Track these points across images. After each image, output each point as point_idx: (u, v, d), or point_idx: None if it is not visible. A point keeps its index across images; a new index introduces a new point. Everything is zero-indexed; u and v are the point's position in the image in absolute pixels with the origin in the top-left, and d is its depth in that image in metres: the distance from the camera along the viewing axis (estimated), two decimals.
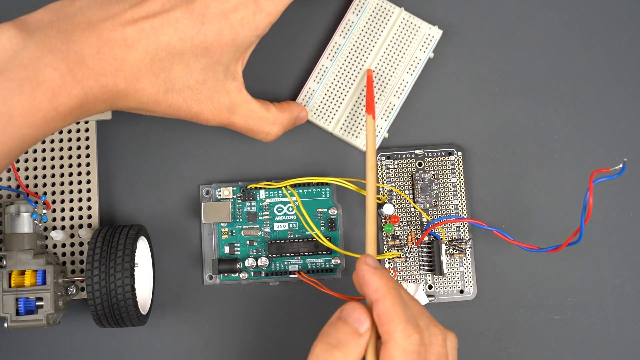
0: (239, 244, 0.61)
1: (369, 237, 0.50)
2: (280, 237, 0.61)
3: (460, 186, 0.62)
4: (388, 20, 0.63)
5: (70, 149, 0.61)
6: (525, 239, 0.59)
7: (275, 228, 0.61)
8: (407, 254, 0.61)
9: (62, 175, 0.60)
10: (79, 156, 0.61)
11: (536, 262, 0.61)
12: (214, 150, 0.62)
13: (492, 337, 0.61)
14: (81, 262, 0.60)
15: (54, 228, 0.60)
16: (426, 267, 0.60)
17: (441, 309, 0.61)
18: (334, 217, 0.61)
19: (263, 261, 0.60)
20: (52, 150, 0.61)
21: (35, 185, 0.60)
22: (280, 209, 0.61)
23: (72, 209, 0.60)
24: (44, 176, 0.61)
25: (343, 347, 0.44)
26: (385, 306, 0.44)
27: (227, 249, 0.61)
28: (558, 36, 0.64)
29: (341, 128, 0.62)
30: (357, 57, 0.62)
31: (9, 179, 0.60)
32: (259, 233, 0.61)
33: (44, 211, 0.60)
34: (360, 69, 0.62)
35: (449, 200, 0.62)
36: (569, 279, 0.61)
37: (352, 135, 0.61)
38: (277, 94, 0.63)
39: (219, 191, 0.61)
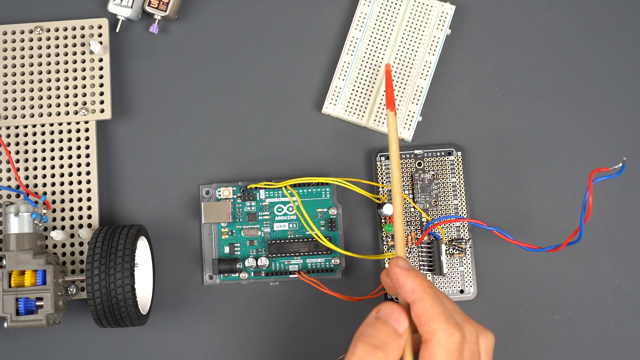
0: (239, 244, 0.61)
1: (397, 239, 0.50)
2: (280, 237, 0.61)
3: (459, 186, 0.62)
4: (400, 5, 0.63)
5: (70, 149, 0.61)
6: (525, 239, 0.59)
7: (275, 228, 0.61)
8: (407, 254, 0.61)
9: (62, 175, 0.60)
10: (79, 156, 0.61)
11: (536, 262, 0.61)
12: (214, 150, 0.62)
13: None
14: (81, 262, 0.60)
15: (54, 228, 0.60)
16: (426, 267, 0.60)
17: None
18: (334, 217, 0.61)
19: (263, 261, 0.60)
20: (52, 150, 0.61)
21: (35, 185, 0.60)
22: (280, 209, 0.61)
23: (72, 209, 0.60)
24: (44, 176, 0.61)
25: (385, 347, 0.45)
26: (424, 306, 0.45)
27: (227, 249, 0.61)
28: (558, 36, 0.64)
29: (375, 120, 0.62)
30: (376, 47, 0.63)
31: (9, 179, 0.61)
32: (259, 233, 0.61)
33: (44, 211, 0.59)
34: (382, 58, 0.62)
35: (449, 200, 0.62)
36: (569, 279, 0.61)
37: (386, 125, 0.62)
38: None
39: (219, 191, 0.61)
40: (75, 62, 0.62)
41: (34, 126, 0.61)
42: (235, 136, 0.62)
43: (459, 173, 0.62)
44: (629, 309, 0.61)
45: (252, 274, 0.60)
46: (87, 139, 0.61)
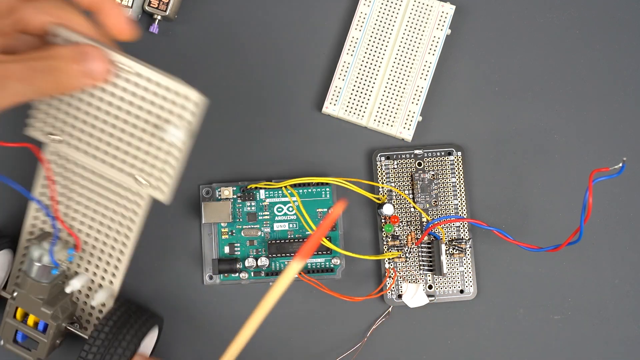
0: (239, 244, 0.61)
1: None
2: (280, 237, 0.61)
3: (459, 186, 0.62)
4: (400, 5, 0.63)
5: None
6: (525, 239, 0.59)
7: (275, 228, 0.61)
8: (407, 254, 0.61)
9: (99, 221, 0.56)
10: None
11: (536, 262, 0.61)
12: (214, 150, 0.62)
13: (492, 337, 0.61)
14: (90, 313, 0.59)
15: (79, 265, 0.58)
16: (426, 267, 0.60)
17: (441, 309, 0.61)
18: None
19: (263, 261, 0.60)
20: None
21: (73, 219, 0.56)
22: (280, 209, 0.61)
23: (99, 260, 0.57)
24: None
25: None
26: None
27: (227, 249, 0.61)
28: (558, 36, 0.64)
29: (375, 120, 0.62)
30: (376, 47, 0.63)
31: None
32: (259, 233, 0.61)
33: (73, 253, 0.56)
34: (382, 58, 0.62)
35: (449, 200, 0.62)
36: (569, 279, 0.61)
37: (387, 124, 0.62)
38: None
39: (219, 191, 0.61)
40: None
41: None
42: (235, 136, 0.62)
43: (459, 173, 0.62)
44: (629, 309, 0.61)
45: (252, 274, 0.60)
46: None
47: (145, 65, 0.47)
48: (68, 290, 0.55)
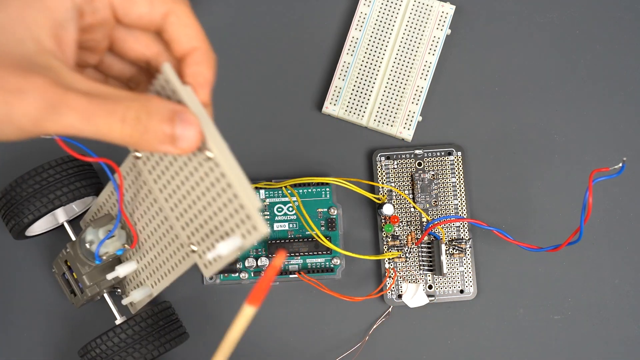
0: None
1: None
2: (280, 237, 0.61)
3: (459, 186, 0.62)
4: (400, 5, 0.63)
5: None
6: (525, 239, 0.59)
7: (275, 228, 0.61)
8: (407, 254, 0.61)
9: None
10: None
11: (536, 262, 0.61)
12: None
13: (492, 337, 0.61)
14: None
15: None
16: (426, 267, 0.60)
17: (441, 309, 0.61)
18: (334, 217, 0.61)
19: (263, 261, 0.60)
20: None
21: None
22: (280, 209, 0.61)
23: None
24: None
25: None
26: None
27: None
28: (558, 36, 0.64)
29: (375, 120, 0.62)
30: (376, 47, 0.63)
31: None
32: None
33: (126, 246, 0.54)
34: (382, 58, 0.62)
35: (449, 200, 0.62)
36: (569, 279, 0.62)
37: (387, 124, 0.62)
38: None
39: None
40: None
41: None
42: (235, 136, 0.62)
43: (459, 173, 0.62)
44: (629, 309, 0.61)
45: (252, 273, 0.60)
46: None
47: (230, 162, 0.42)
48: (110, 277, 0.54)
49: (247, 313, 0.42)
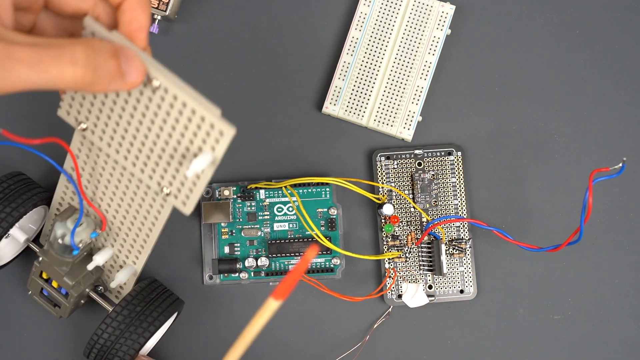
0: (239, 244, 0.61)
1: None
2: (280, 237, 0.61)
3: (459, 186, 0.62)
4: (400, 5, 0.63)
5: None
6: (525, 239, 0.59)
7: (275, 228, 0.61)
8: (407, 254, 0.61)
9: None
10: None
11: (536, 262, 0.61)
12: None
13: (492, 337, 0.61)
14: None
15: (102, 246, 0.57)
16: (426, 267, 0.60)
17: (441, 309, 0.61)
18: (334, 217, 0.61)
19: (263, 261, 0.60)
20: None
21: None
22: (280, 209, 0.61)
23: (125, 238, 0.56)
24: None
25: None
26: None
27: (227, 249, 0.61)
28: (558, 36, 0.64)
29: (375, 120, 0.62)
30: (376, 47, 0.63)
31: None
32: (259, 233, 0.61)
33: (98, 230, 0.54)
34: (382, 58, 0.62)
35: (449, 200, 0.62)
36: (569, 279, 0.61)
37: (387, 124, 0.62)
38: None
39: (219, 191, 0.61)
40: None
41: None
42: (236, 136, 0.62)
43: (459, 173, 0.62)
44: (629, 309, 0.61)
45: (252, 274, 0.60)
46: None
47: (179, 84, 0.43)
48: (90, 267, 0.54)
49: (271, 306, 0.42)
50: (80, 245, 0.54)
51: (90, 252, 0.56)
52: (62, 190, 0.56)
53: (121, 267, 0.56)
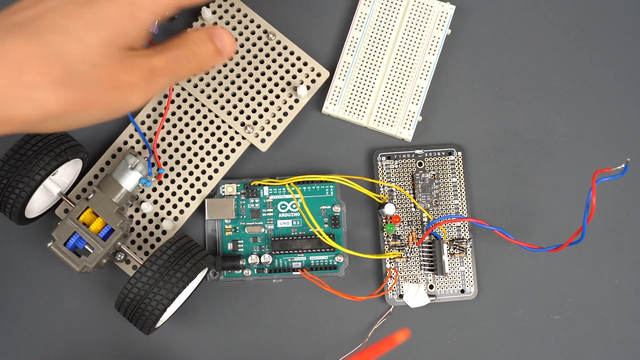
0: (242, 241, 0.60)
1: None
2: (284, 234, 0.60)
3: (460, 186, 0.62)
4: (400, 5, 0.63)
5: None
6: (526, 239, 0.59)
7: (278, 225, 0.61)
8: (408, 254, 0.61)
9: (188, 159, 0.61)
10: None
11: (537, 262, 0.62)
12: None
13: (492, 337, 0.61)
14: (145, 240, 0.60)
15: (148, 197, 0.61)
16: (427, 267, 0.60)
17: (442, 309, 0.61)
18: (338, 214, 0.61)
19: (266, 258, 0.59)
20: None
21: (164, 152, 0.61)
22: (284, 206, 0.61)
23: (174, 194, 0.61)
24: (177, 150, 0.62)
25: None
26: None
27: (230, 246, 0.60)
28: (558, 36, 0.64)
29: (375, 120, 0.62)
30: (376, 47, 0.63)
31: (149, 128, 0.62)
32: (263, 230, 0.60)
33: (153, 178, 0.60)
34: (382, 58, 0.62)
35: (450, 200, 0.62)
36: (569, 279, 0.62)
37: (387, 124, 0.62)
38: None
39: (223, 188, 0.61)
40: None
41: None
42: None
43: (459, 173, 0.62)
44: (629, 309, 0.61)
45: (255, 271, 0.60)
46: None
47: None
48: (144, 206, 0.59)
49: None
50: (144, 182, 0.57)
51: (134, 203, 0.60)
52: (123, 140, 0.61)
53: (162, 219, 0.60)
